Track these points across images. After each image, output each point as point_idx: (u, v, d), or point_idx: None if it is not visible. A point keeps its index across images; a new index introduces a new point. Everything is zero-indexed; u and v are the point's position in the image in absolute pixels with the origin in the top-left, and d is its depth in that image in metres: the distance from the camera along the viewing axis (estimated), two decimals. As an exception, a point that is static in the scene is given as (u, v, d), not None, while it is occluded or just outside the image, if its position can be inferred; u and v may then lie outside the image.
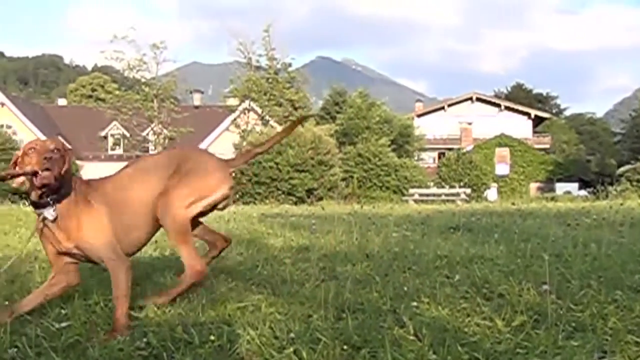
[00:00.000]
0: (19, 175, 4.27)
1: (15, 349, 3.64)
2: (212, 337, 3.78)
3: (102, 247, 4.51)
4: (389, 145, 45.83)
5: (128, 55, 46.50)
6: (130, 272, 4.50)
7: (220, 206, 5.01)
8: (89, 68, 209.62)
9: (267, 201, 31.17)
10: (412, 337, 3.78)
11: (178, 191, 4.72)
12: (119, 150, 63.54)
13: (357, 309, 4.53)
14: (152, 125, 50.30)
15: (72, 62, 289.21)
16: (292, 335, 3.82)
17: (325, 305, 4.45)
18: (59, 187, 4.34)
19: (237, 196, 31.03)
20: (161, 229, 4.81)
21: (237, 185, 34.16)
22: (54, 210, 4.37)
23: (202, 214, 4.97)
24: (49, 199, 4.35)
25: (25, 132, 57.46)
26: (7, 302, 4.78)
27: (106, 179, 4.97)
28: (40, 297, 4.64)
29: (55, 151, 4.34)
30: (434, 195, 36.93)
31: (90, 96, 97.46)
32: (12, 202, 18.91)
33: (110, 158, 62.05)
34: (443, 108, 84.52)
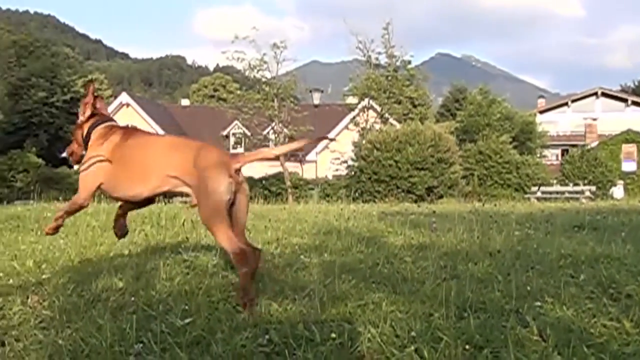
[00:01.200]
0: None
1: (141, 345, 3.72)
2: (333, 335, 3.79)
3: (80, 177, 5.76)
4: (511, 143, 45.13)
5: (249, 55, 46.92)
6: (78, 208, 5.86)
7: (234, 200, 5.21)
8: (211, 68, 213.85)
9: (387, 199, 31.10)
10: (535, 338, 3.72)
11: (205, 186, 5.11)
12: (240, 149, 64.40)
13: (479, 308, 4.48)
14: (273, 124, 50.65)
15: (195, 63, 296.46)
16: (413, 333, 3.80)
17: (446, 304, 4.41)
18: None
19: (356, 194, 31.06)
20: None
21: (357, 183, 34.20)
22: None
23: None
24: None
25: (150, 132, 58.71)
26: (133, 298, 4.89)
27: (138, 133, 5.84)
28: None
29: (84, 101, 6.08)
30: (557, 193, 36.21)
31: (212, 96, 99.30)
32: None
33: (232, 157, 62.92)
34: (567, 104, 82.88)
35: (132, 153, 5.57)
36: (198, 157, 5.23)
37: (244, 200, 5.28)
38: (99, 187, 5.71)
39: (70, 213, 6.06)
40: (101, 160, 5.63)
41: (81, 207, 5.94)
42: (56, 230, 6.03)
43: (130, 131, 5.82)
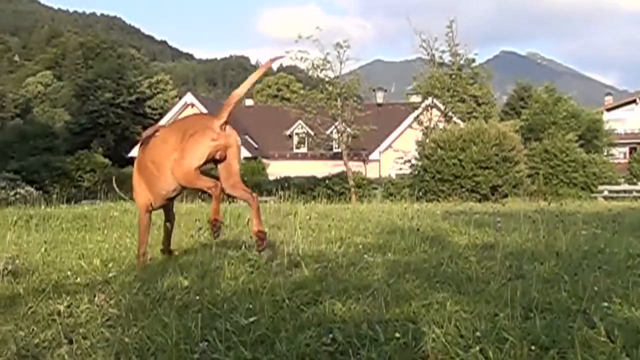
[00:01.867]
0: None
1: (206, 343, 3.75)
2: (397, 335, 3.78)
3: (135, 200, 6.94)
4: (577, 141, 44.58)
5: (312, 55, 47.00)
6: (145, 224, 6.87)
7: (219, 157, 6.22)
8: (275, 68, 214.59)
9: (451, 198, 30.93)
10: (603, 339, 3.67)
11: (183, 151, 6.12)
12: (303, 149, 64.56)
13: (545, 309, 4.44)
14: (336, 124, 50.68)
15: (258, 63, 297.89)
16: (478, 334, 3.78)
17: (512, 304, 4.37)
18: None
19: (420, 194, 30.92)
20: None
21: (421, 182, 34.07)
22: None
23: (208, 162, 6.25)
24: None
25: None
26: (198, 297, 4.93)
27: (149, 139, 6.79)
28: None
29: None
30: (625, 192, 35.65)
31: (276, 96, 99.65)
32: (202, 200, 19.55)
33: (295, 156, 63.17)
34: (635, 101, 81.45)
35: (147, 159, 6.57)
36: (187, 129, 6.20)
37: (234, 151, 6.30)
38: (151, 205, 6.77)
39: (144, 235, 6.94)
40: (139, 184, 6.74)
41: (148, 219, 6.94)
42: (145, 261, 6.93)
43: (145, 141, 6.84)
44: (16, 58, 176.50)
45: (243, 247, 7.63)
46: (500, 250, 7.01)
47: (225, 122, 6.22)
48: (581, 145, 45.20)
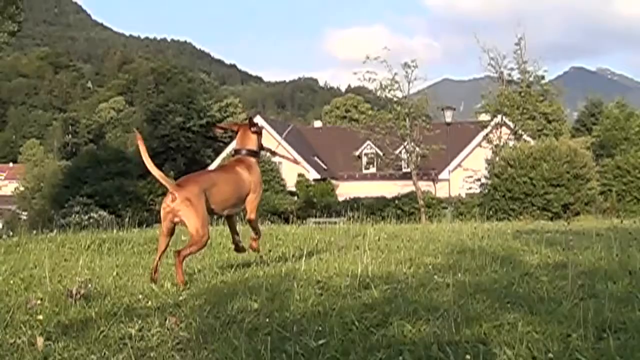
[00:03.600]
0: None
1: (276, 366, 3.76)
2: (467, 356, 3.75)
3: None
4: (650, 157, 43.86)
5: (380, 75, 47.17)
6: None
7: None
8: (343, 89, 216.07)
9: (522, 217, 30.63)
10: (679, 359, 3.59)
11: None
12: (372, 169, 64.69)
13: (619, 329, 4.36)
14: (405, 144, 50.71)
15: (327, 84, 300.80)
16: (550, 355, 3.73)
17: (584, 324, 4.30)
18: None
19: (490, 213, 30.68)
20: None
21: (491, 201, 33.81)
22: None
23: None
24: None
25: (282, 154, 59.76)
26: (267, 320, 4.94)
27: None
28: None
29: None
30: (702, 209, 34.96)
31: (345, 117, 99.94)
32: (272, 222, 19.68)
33: (364, 177, 63.29)
34: None
35: None
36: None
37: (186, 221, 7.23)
38: None
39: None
40: None
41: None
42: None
43: None
44: (89, 85, 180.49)
45: (312, 268, 7.64)
46: (573, 269, 6.91)
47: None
48: (656, 161, 44.47)
